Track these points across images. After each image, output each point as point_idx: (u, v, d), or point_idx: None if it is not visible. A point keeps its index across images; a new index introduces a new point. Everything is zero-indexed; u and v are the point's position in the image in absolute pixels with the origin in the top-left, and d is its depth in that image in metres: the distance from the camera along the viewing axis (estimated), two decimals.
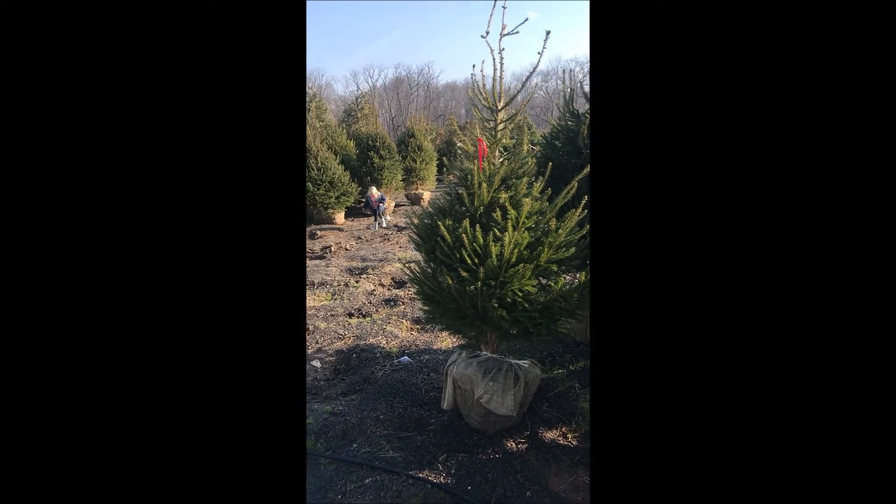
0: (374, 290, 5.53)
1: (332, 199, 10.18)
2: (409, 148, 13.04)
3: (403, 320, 4.51)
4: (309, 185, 9.85)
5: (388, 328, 4.31)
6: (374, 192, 10.02)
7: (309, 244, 8.45)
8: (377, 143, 11.80)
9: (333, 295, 5.40)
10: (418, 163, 12.62)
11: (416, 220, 2.60)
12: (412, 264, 2.76)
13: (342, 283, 5.77)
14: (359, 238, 8.96)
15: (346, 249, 7.91)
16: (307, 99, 15.38)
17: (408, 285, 5.46)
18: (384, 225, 9.65)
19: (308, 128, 11.31)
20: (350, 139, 12.81)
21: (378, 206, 9.67)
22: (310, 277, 5.98)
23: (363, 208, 10.44)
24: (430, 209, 2.58)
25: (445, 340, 4.00)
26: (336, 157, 10.84)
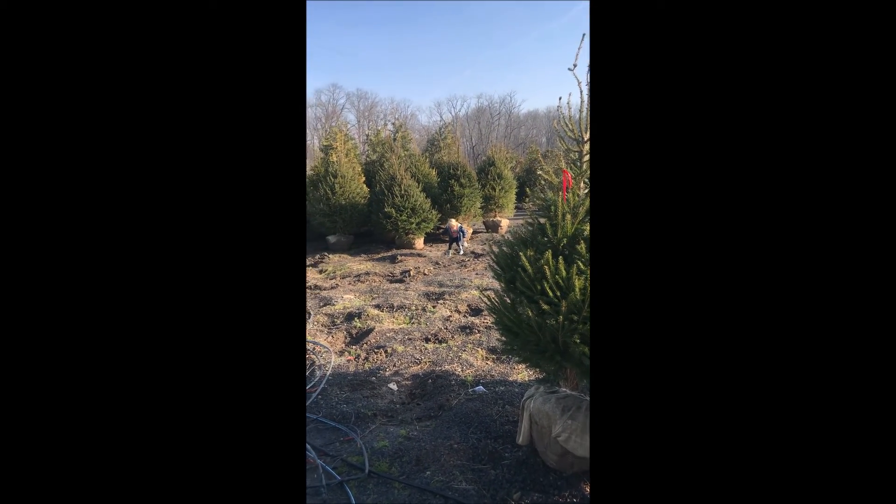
0: (450, 315, 5.51)
1: (413, 225, 10.42)
2: (489, 176, 13.08)
3: (479, 349, 4.45)
4: (392, 210, 10.19)
5: (463, 356, 4.27)
6: (454, 223, 10.18)
7: (389, 268, 8.67)
8: (458, 172, 11.96)
9: (411, 319, 5.44)
10: (497, 191, 12.69)
11: (495, 249, 2.60)
12: (490, 292, 2.80)
13: (420, 308, 5.80)
14: (437, 263, 9.02)
15: (425, 274, 7.97)
16: (393, 129, 15.75)
17: (484, 313, 5.40)
18: (461, 252, 9.77)
19: (393, 156, 11.80)
20: (432, 167, 13.04)
21: (458, 237, 9.83)
22: (389, 300, 6.08)
23: (441, 234, 10.66)
24: (510, 238, 2.57)
25: (522, 373, 3.91)
26: (418, 184, 11.02)
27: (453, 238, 9.89)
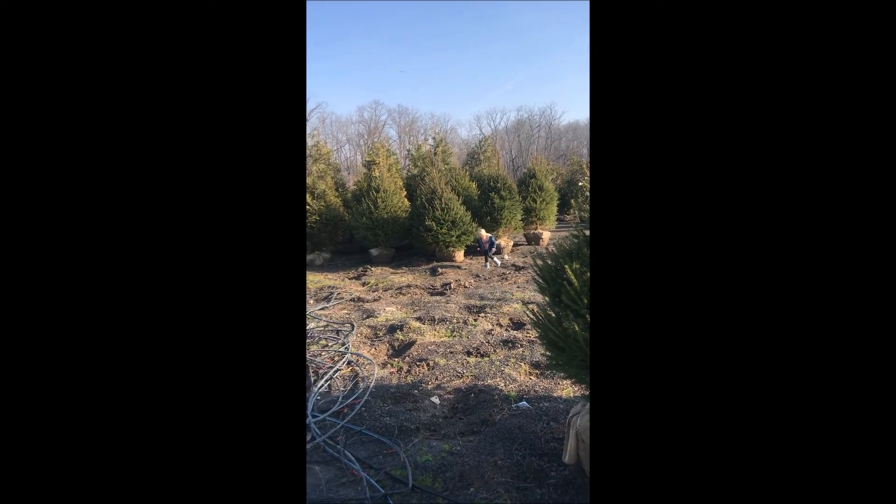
0: (492, 329, 5.46)
1: (454, 238, 10.39)
2: (530, 188, 12.99)
3: (522, 363, 4.40)
4: (432, 223, 10.25)
5: (506, 370, 4.24)
6: (483, 233, 10.08)
7: (430, 280, 8.70)
8: (498, 185, 11.92)
9: (452, 332, 5.41)
10: (538, 203, 12.68)
11: (538, 262, 2.58)
12: (533, 306, 2.76)
13: (461, 321, 5.78)
14: (477, 276, 8.97)
15: (465, 287, 7.94)
16: (434, 144, 15.99)
17: (527, 327, 5.36)
18: (498, 264, 9.66)
19: (433, 170, 11.94)
20: (472, 181, 13.03)
21: (488, 248, 9.68)
22: (430, 313, 6.08)
23: (476, 246, 10.65)
24: (553, 251, 2.55)
25: (567, 388, 3.83)
26: (458, 198, 11.02)
27: (484, 249, 9.86)
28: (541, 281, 2.57)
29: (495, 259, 9.79)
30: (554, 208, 13.20)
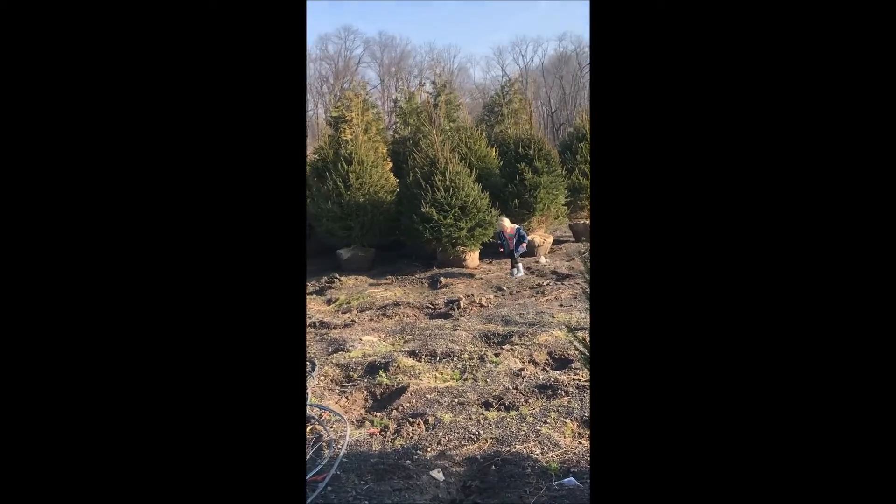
0: (521, 369, 5.57)
1: (464, 232, 10.45)
2: (578, 157, 13.16)
3: (567, 420, 4.50)
4: (432, 210, 10.29)
5: (543, 430, 4.35)
6: (507, 224, 10.26)
7: (429, 295, 8.95)
8: (530, 151, 11.95)
9: (463, 373, 5.50)
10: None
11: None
12: (584, 334, 2.72)
13: (475, 357, 5.86)
14: (499, 289, 9.11)
15: (482, 306, 8.08)
16: (433, 91, 16.17)
17: (574, 366, 5.46)
18: (519, 273, 9.98)
19: (433, 131, 11.91)
20: (492, 145, 13.07)
21: (515, 246, 10.00)
22: (430, 344, 6.18)
23: (496, 243, 10.94)
24: None
25: None
26: (471, 172, 11.05)
27: (509, 249, 10.10)
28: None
29: (519, 267, 10.07)
30: None
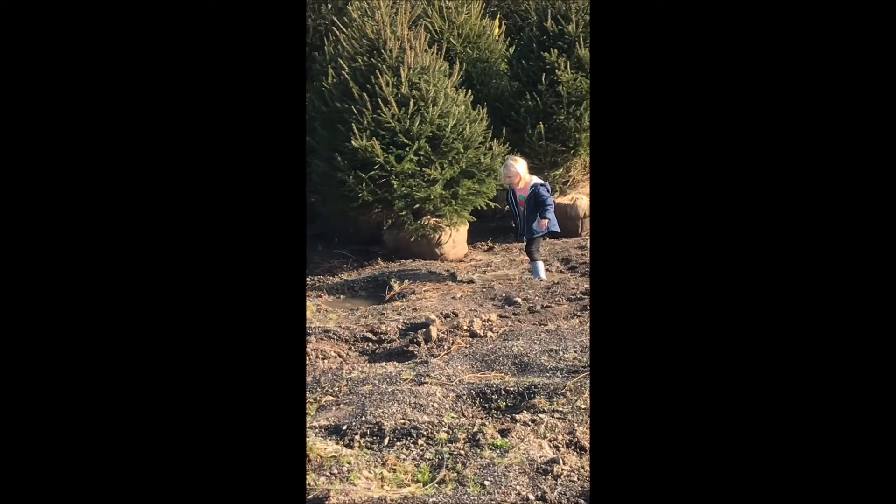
0: (553, 460, 3.82)
1: (437, 190, 8.01)
2: None
3: None
4: (372, 144, 7.81)
5: None
6: (519, 168, 7.43)
7: (370, 316, 6.70)
8: (569, 27, 9.45)
9: (435, 468, 3.87)
10: None
11: None
12: None
13: (461, 438, 4.16)
14: (508, 302, 6.74)
15: (474, 335, 5.88)
16: None
17: None
18: (540, 274, 7.39)
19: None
20: (492, 15, 10.82)
21: (528, 217, 7.30)
22: (371, 413, 4.53)
23: (508, 212, 9.01)
24: None
25: None
26: (452, 66, 8.76)
27: (521, 219, 7.48)
28: None
29: (540, 266, 7.40)
30: None
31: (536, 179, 7.55)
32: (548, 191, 7.52)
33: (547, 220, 7.32)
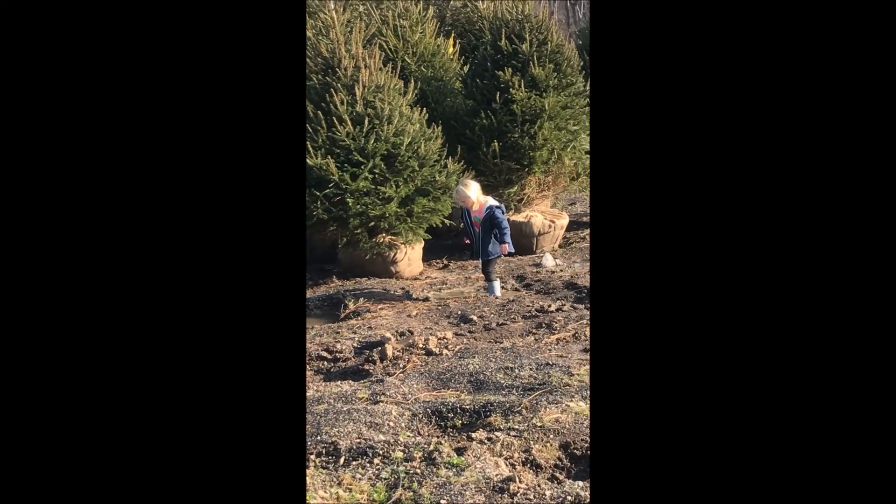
0: (510, 478, 3.88)
1: (393, 208, 8.15)
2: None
3: None
4: (327, 162, 7.94)
5: None
6: (472, 192, 7.53)
7: (325, 334, 6.96)
8: (524, 46, 9.54)
9: (391, 487, 3.96)
10: None
11: None
12: None
13: (417, 455, 4.23)
14: (464, 320, 6.96)
15: (430, 353, 6.10)
16: None
17: None
18: (496, 291, 7.68)
19: (332, 17, 9.37)
20: (446, 34, 10.87)
21: (483, 239, 7.48)
22: (326, 432, 4.62)
23: (461, 228, 9.08)
24: None
25: None
26: (407, 85, 8.94)
27: (477, 240, 7.64)
28: None
29: (495, 285, 7.67)
30: None
31: (492, 201, 7.71)
32: (503, 212, 7.70)
33: (507, 245, 7.53)
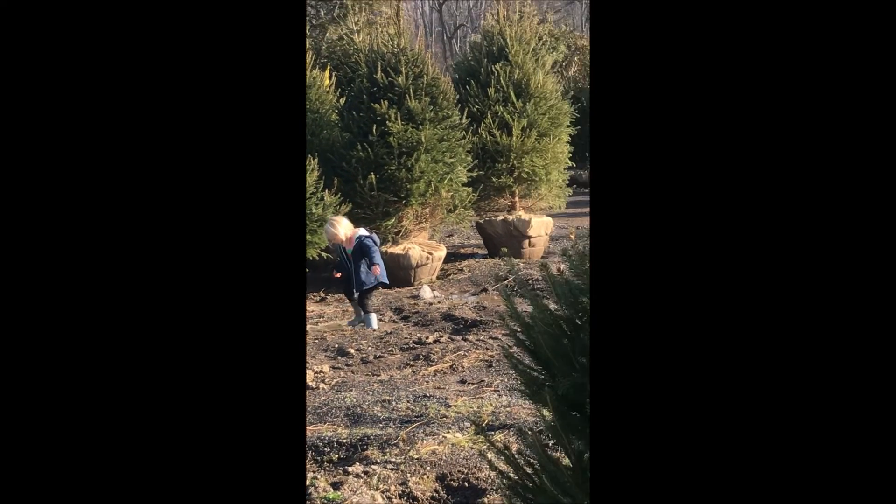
0: None
1: None
2: (497, 90, 10.69)
3: None
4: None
5: None
6: (341, 227, 7.52)
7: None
8: (399, 79, 9.62)
9: None
10: (517, 136, 10.43)
11: (525, 305, 2.59)
12: (502, 436, 3.29)
13: None
14: (338, 352, 6.94)
15: (306, 388, 6.21)
16: None
17: (488, 496, 4.32)
18: (367, 322, 7.59)
19: None
20: (321, 66, 10.83)
21: (355, 268, 7.46)
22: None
23: (334, 262, 8.84)
24: (572, 267, 2.51)
25: None
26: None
27: (349, 269, 7.58)
28: (532, 366, 2.46)
29: (372, 317, 7.50)
30: (563, 151, 11.05)
31: (362, 231, 7.69)
32: (374, 241, 7.61)
33: (378, 266, 7.40)
